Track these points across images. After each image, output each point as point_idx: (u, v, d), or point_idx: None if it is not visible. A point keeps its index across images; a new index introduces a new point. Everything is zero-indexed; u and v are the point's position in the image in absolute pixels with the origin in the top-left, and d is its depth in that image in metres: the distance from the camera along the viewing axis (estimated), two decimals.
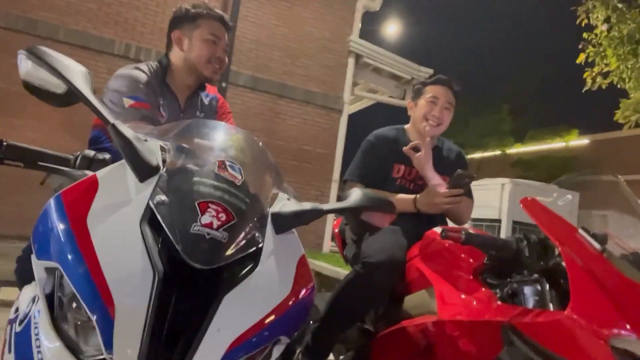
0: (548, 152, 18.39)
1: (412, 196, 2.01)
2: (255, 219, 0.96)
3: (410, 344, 1.43)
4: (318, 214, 1.07)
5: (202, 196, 0.88)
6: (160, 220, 0.83)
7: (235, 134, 1.14)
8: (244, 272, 0.87)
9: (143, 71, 1.67)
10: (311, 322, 1.86)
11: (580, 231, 1.16)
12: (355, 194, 1.16)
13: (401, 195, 2.03)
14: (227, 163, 0.98)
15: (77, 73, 0.97)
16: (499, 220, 4.60)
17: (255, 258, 0.90)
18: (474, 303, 1.29)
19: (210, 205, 0.87)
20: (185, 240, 0.81)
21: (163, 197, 0.87)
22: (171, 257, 0.81)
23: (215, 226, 0.84)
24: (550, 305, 1.15)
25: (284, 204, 1.06)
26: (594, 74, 7.89)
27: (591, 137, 18.05)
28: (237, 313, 0.81)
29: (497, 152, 20.10)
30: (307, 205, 1.06)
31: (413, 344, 1.42)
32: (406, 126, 2.25)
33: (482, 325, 1.20)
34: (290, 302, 0.91)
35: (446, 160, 2.19)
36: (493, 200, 4.62)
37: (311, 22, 7.99)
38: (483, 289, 1.33)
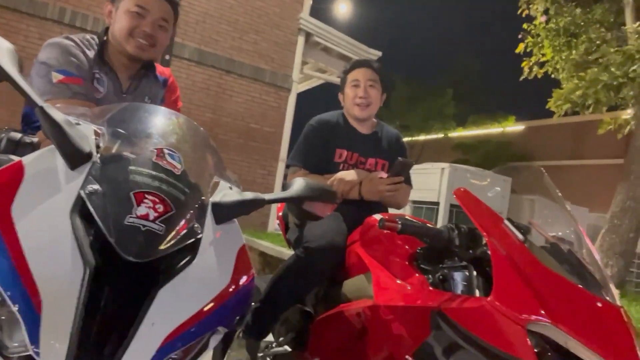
0: (486, 137, 19.23)
1: (356, 180, 2.04)
2: (195, 210, 0.94)
3: (347, 327, 1.48)
4: (259, 204, 1.07)
5: (138, 186, 0.85)
6: (92, 210, 0.80)
7: (176, 120, 1.11)
8: (181, 264, 0.86)
9: (76, 42, 1.52)
10: (252, 303, 1.88)
11: (506, 222, 1.24)
12: (298, 184, 1.17)
13: (346, 178, 2.06)
14: (166, 151, 0.95)
15: (1, 50, 0.91)
16: (437, 204, 4.80)
17: (193, 249, 0.89)
18: (408, 288, 1.35)
19: (146, 195, 0.85)
20: (118, 232, 0.79)
21: (95, 187, 0.84)
22: (103, 250, 0.79)
23: (151, 217, 0.82)
24: (477, 292, 1.23)
25: (225, 193, 1.05)
26: (531, 63, 8.28)
27: (526, 123, 19.03)
28: (173, 306, 0.81)
29: (440, 135, 20.77)
30: (248, 195, 1.06)
31: (350, 328, 1.47)
32: (342, 111, 2.28)
33: (413, 310, 1.26)
34: (229, 293, 0.91)
35: (386, 146, 2.24)
36: (433, 184, 4.80)
37: None
38: (417, 275, 1.39)
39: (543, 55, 8.10)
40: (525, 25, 8.24)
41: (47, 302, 0.71)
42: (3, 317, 0.74)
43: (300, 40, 8.22)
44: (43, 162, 0.86)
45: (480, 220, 1.23)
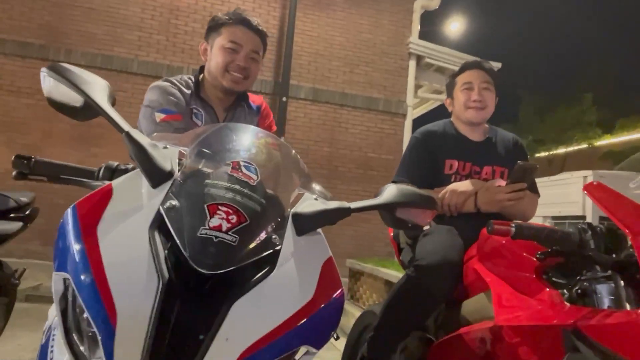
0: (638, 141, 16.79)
1: (470, 191, 1.86)
2: (273, 221, 0.90)
3: (467, 352, 1.30)
4: (344, 212, 0.99)
5: (212, 198, 0.84)
6: (169, 224, 0.80)
7: (257, 135, 1.10)
8: (258, 276, 0.81)
9: (173, 83, 1.66)
10: (370, 332, 1.77)
11: None
12: (389, 190, 1.08)
13: (459, 190, 1.88)
14: (242, 163, 0.94)
15: (94, 85, 0.98)
16: (583, 217, 4.18)
17: (272, 262, 0.84)
18: (535, 305, 1.14)
19: (220, 207, 0.83)
20: (192, 244, 0.77)
21: (174, 202, 0.84)
22: (179, 263, 0.77)
23: (224, 229, 0.80)
24: (627, 305, 0.99)
25: (309, 203, 1.00)
26: None
27: None
28: (248, 321, 0.76)
29: (584, 146, 18.68)
30: (332, 204, 0.99)
31: (470, 353, 1.29)
32: (452, 119, 2.12)
33: (542, 330, 1.05)
34: (313, 309, 0.84)
35: (502, 151, 2.03)
36: (574, 196, 4.20)
37: (367, 29, 7.93)
38: (547, 290, 1.18)
39: None
40: None
41: (122, 316, 0.70)
42: (89, 334, 0.76)
43: (412, 64, 8.12)
44: (129, 183, 0.90)
45: (620, 216, 1.00)
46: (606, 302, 1.02)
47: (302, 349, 0.85)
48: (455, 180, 1.96)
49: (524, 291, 1.22)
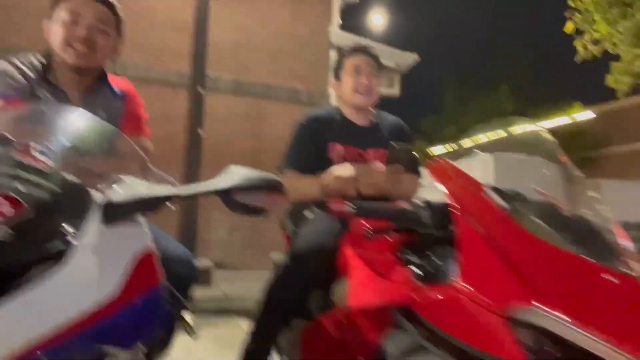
0: (555, 129, 18.01)
1: (351, 175, 1.85)
2: (71, 210, 0.81)
3: (325, 337, 1.28)
4: (167, 199, 0.92)
5: None
6: None
7: (74, 117, 1.00)
8: (42, 273, 0.72)
9: (15, 65, 1.48)
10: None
11: (485, 189, 1.01)
12: (228, 173, 1.02)
13: (339, 175, 1.87)
14: (37, 147, 0.83)
15: None
16: None
17: (63, 257, 0.75)
18: (385, 286, 1.13)
19: None
20: None
21: None
22: None
23: None
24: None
25: (129, 190, 0.91)
26: (585, 41, 7.62)
27: (596, 108, 17.61)
28: (19, 324, 0.67)
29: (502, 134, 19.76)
30: (156, 190, 0.91)
31: (328, 338, 1.27)
32: (337, 103, 2.12)
33: (377, 310, 1.04)
34: (113, 306, 0.76)
35: (387, 134, 2.05)
36: (476, 177, 4.41)
37: (288, 19, 7.86)
38: (400, 269, 1.17)
39: (596, 31, 7.45)
40: (571, 2, 7.63)
41: None
42: None
43: (333, 55, 8.17)
44: None
45: (453, 190, 1.01)
46: (439, 278, 1.03)
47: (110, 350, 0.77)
48: (339, 164, 1.94)
49: (381, 272, 1.22)
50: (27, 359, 0.66)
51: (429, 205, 1.08)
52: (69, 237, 0.78)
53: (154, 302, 0.83)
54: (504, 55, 20.87)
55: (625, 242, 0.98)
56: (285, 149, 2.04)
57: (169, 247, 1.55)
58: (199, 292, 5.92)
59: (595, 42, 7.64)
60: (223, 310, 5.01)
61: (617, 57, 7.30)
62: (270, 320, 1.66)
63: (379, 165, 1.85)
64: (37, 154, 0.82)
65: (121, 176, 0.96)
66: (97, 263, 0.78)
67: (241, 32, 7.56)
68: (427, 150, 22.06)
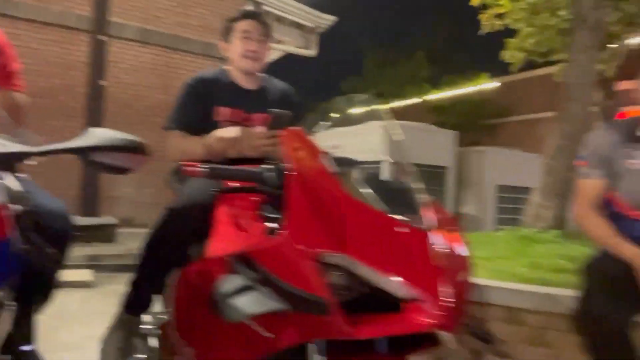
0: (462, 97, 19.11)
1: (233, 137, 1.92)
2: None
3: (186, 285, 1.40)
4: (20, 157, 0.94)
5: None
6: None
7: None
8: None
9: None
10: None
11: (323, 155, 1.15)
12: (88, 133, 1.05)
13: (222, 136, 1.93)
14: None
15: None
16: (379, 163, 4.71)
17: None
18: (237, 238, 1.25)
19: None
20: None
21: None
22: None
23: None
24: None
25: None
26: (489, 15, 8.06)
27: (501, 79, 18.87)
28: None
29: (418, 100, 20.61)
30: (8, 147, 0.93)
31: (188, 286, 1.39)
32: (226, 67, 2.15)
33: (220, 260, 1.17)
34: None
35: (274, 100, 2.12)
36: (372, 143, 4.69)
37: None
38: (258, 224, 1.29)
39: (500, 6, 7.90)
40: None
41: None
42: None
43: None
44: None
45: (293, 155, 1.13)
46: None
47: None
48: (224, 127, 2.00)
49: (242, 227, 1.33)
50: None
51: (277, 168, 1.20)
52: None
53: (1, 252, 0.87)
54: (421, 23, 21.54)
55: (425, 203, 1.18)
56: (171, 108, 2.06)
57: (43, 202, 1.55)
58: (101, 249, 5.79)
59: (499, 16, 8.10)
60: (125, 266, 4.96)
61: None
62: (149, 271, 1.74)
63: (261, 129, 1.93)
64: None
65: None
66: None
67: None
68: (346, 112, 22.51)
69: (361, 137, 4.79)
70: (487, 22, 8.05)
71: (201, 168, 1.14)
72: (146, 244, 1.74)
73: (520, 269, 2.43)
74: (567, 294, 1.70)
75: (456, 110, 18.56)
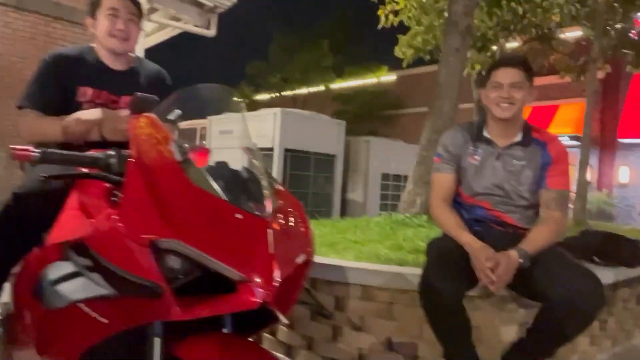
0: (363, 87, 19.81)
1: (94, 119, 1.85)
2: None
3: (27, 277, 1.35)
4: None
5: None
6: None
7: None
8: None
9: None
10: None
11: (171, 142, 1.17)
12: None
13: (82, 118, 1.85)
14: None
15: None
16: (271, 149, 4.78)
17: None
18: (77, 224, 1.24)
19: None
20: None
21: None
22: None
23: None
24: None
25: None
26: (386, 11, 8.42)
27: (399, 72, 19.85)
28: None
29: (322, 88, 20.96)
30: None
31: (26, 272, 1.35)
32: (93, 44, 2.05)
33: (56, 246, 1.16)
34: None
35: (144, 82, 2.07)
36: (267, 130, 4.75)
37: None
38: (104, 211, 1.28)
39: (396, 3, 8.29)
40: None
41: None
42: None
43: None
44: None
45: (137, 141, 1.14)
46: None
47: None
48: (88, 109, 1.92)
49: (89, 214, 1.31)
50: None
51: (120, 154, 1.20)
52: None
53: None
54: (326, 12, 21.81)
55: (268, 191, 1.27)
56: (26, 85, 1.92)
57: None
58: None
59: (395, 12, 8.49)
60: None
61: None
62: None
63: (125, 113, 1.89)
64: None
65: None
66: None
67: None
68: (252, 97, 22.24)
69: (254, 124, 4.81)
70: (384, 17, 8.46)
71: (32, 152, 1.11)
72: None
73: (385, 251, 2.65)
74: (416, 272, 1.90)
75: (357, 100, 19.23)
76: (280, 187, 1.42)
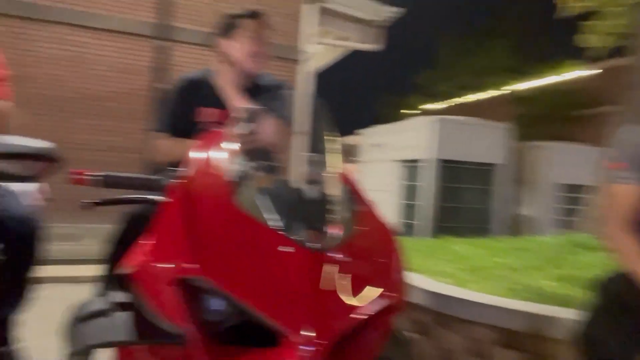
0: (547, 86, 17.66)
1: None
2: None
3: None
4: None
5: None
6: None
7: None
8: None
9: None
10: None
11: (231, 160, 1.04)
12: None
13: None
14: None
15: None
16: (417, 160, 4.41)
17: None
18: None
19: None
20: None
21: None
22: None
23: None
24: None
25: None
26: None
27: (599, 66, 17.07)
28: None
29: (499, 92, 19.40)
30: None
31: None
32: (215, 68, 2.10)
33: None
34: None
35: (265, 96, 2.05)
36: (421, 140, 4.41)
37: None
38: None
39: None
40: None
41: None
42: None
43: (307, 7, 7.92)
44: None
45: (188, 161, 1.04)
46: None
47: None
48: (208, 128, 1.96)
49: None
50: None
51: (171, 175, 1.11)
52: None
53: None
54: (500, 9, 20.18)
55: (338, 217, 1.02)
56: (157, 111, 2.06)
57: (9, 206, 1.62)
58: None
59: None
60: None
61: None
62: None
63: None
64: None
65: None
66: None
67: None
68: (421, 106, 21.81)
69: (408, 133, 4.52)
70: (566, 4, 7.31)
71: (90, 176, 1.09)
72: (110, 243, 1.75)
73: (549, 283, 2.13)
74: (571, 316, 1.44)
75: (540, 101, 17.18)
76: (369, 210, 1.17)
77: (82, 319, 0.91)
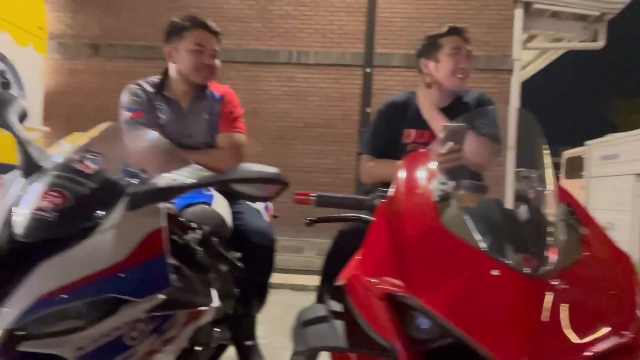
0: None
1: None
2: (104, 200, 1.17)
3: None
4: (179, 190, 1.23)
5: (47, 185, 1.15)
6: (13, 208, 1.13)
7: (126, 133, 1.38)
8: (72, 243, 1.09)
9: (139, 85, 2.02)
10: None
11: (434, 179, 1.04)
12: (234, 169, 1.28)
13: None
14: (87, 155, 1.23)
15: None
16: None
17: (91, 232, 1.12)
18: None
19: (49, 192, 1.13)
20: (23, 221, 1.08)
21: (27, 189, 1.17)
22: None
23: (46, 208, 1.10)
24: None
25: (153, 183, 1.25)
26: None
27: None
28: (53, 274, 1.04)
29: None
30: (170, 183, 1.23)
31: None
32: (418, 89, 2.12)
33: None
34: (122, 267, 1.11)
35: (470, 108, 2.00)
36: None
37: None
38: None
39: None
40: None
41: None
42: None
43: (518, 13, 7.40)
44: (10, 174, 1.25)
45: (400, 179, 1.07)
46: None
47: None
48: (412, 149, 1.99)
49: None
50: (53, 298, 1.03)
51: (381, 195, 1.13)
52: (99, 219, 1.14)
53: (158, 266, 1.14)
54: None
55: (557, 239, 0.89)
56: (364, 134, 2.18)
57: (251, 220, 1.90)
58: None
59: None
60: None
61: None
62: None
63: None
64: (88, 162, 1.22)
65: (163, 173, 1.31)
66: (117, 236, 1.12)
67: (411, 3, 7.52)
68: None
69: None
70: None
71: (309, 196, 1.20)
72: (326, 257, 1.89)
73: None
74: None
75: None
76: (595, 232, 1.01)
77: (305, 323, 1.01)
